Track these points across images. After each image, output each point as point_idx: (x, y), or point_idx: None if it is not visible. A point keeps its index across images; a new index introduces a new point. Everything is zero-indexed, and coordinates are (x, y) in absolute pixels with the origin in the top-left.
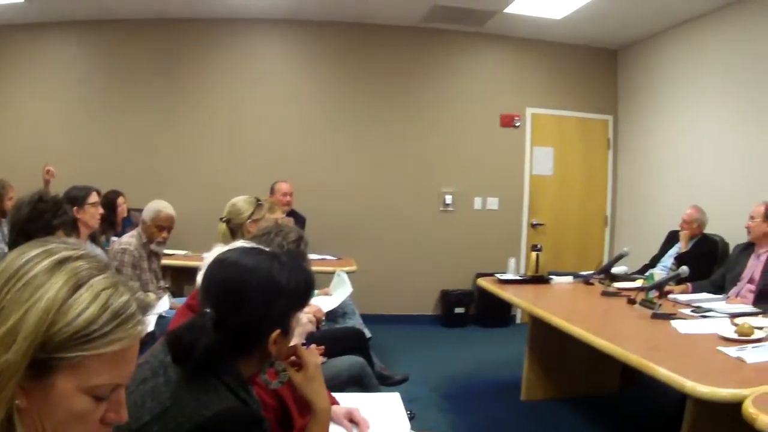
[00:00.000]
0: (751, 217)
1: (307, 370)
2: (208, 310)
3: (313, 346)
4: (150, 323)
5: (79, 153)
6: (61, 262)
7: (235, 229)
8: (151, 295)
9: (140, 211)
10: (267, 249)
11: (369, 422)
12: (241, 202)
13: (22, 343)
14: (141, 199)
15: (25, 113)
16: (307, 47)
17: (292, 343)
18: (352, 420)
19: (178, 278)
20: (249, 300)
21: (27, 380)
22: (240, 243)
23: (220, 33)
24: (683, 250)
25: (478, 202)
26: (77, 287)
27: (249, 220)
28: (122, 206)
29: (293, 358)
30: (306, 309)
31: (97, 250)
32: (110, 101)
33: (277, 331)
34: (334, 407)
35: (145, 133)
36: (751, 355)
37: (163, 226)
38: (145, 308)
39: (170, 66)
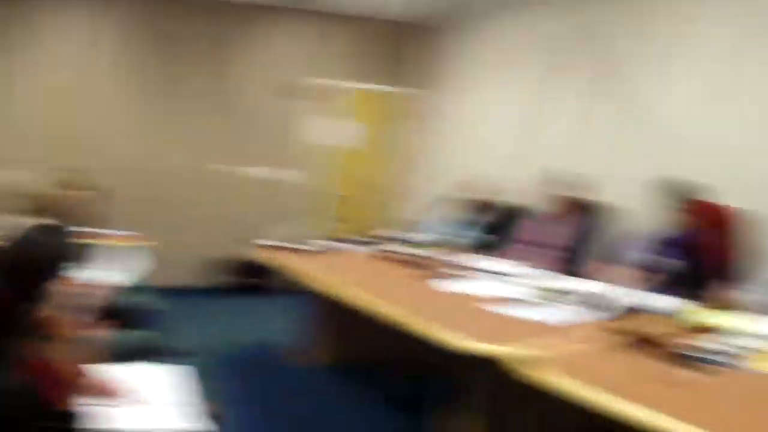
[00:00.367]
0: (550, 187)
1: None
2: None
3: (102, 320)
4: None
5: None
6: None
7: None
8: None
9: None
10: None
11: (133, 390)
12: (20, 176)
13: None
14: None
15: None
16: (100, 18)
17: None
18: (109, 391)
19: None
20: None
21: None
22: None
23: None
24: (487, 219)
25: (272, 173)
26: None
27: (26, 195)
28: None
29: None
30: (74, 282)
31: None
32: None
33: (38, 306)
34: (91, 381)
35: None
36: (550, 316)
37: None
38: None
39: None
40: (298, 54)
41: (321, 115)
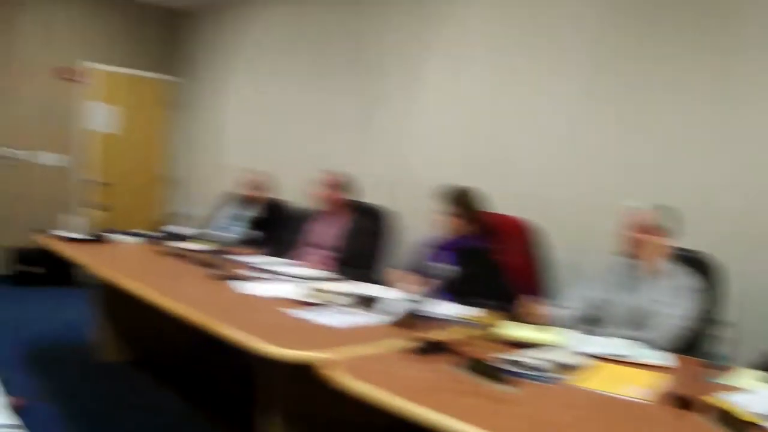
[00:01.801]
0: (320, 185)
1: None
2: None
3: None
4: None
5: None
6: None
7: None
8: None
9: None
10: None
11: None
12: None
13: None
14: None
15: None
16: None
17: None
18: None
19: None
20: None
21: None
22: None
23: None
24: (258, 215)
25: (37, 157)
26: None
27: None
28: None
29: None
30: None
31: None
32: None
33: None
34: None
35: None
36: (326, 318)
37: None
38: None
39: None
40: (56, 34)
41: (83, 99)
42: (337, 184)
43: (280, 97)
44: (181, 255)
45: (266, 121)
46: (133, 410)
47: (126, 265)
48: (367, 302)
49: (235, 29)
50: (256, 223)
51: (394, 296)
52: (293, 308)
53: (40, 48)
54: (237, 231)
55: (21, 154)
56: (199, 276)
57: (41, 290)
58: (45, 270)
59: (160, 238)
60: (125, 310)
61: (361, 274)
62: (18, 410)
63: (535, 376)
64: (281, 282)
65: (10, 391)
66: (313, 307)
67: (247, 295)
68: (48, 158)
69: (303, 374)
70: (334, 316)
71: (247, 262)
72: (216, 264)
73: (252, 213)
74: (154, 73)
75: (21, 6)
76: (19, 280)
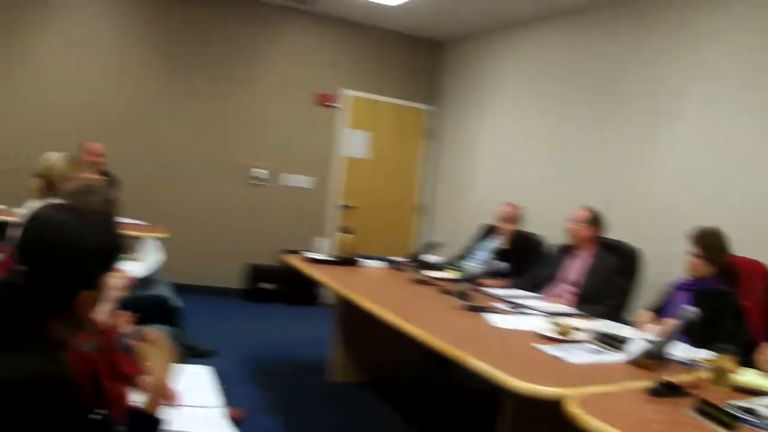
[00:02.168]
0: (574, 221)
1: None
2: (20, 267)
3: (124, 312)
4: None
5: None
6: None
7: (47, 186)
8: None
9: None
10: (78, 207)
11: (177, 393)
12: (55, 158)
13: None
14: None
15: None
16: (126, 8)
17: (104, 309)
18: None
19: None
20: (54, 257)
21: None
22: (53, 201)
23: None
24: (504, 247)
25: (289, 179)
26: None
27: (62, 177)
28: None
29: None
30: (115, 274)
31: None
32: None
33: (89, 292)
34: (145, 377)
35: None
36: (572, 355)
37: None
38: None
39: None
40: (315, 60)
41: (337, 124)
42: (589, 220)
43: (531, 126)
44: (428, 283)
45: (518, 151)
46: (358, 430)
47: (370, 288)
48: (608, 340)
49: (488, 58)
50: (502, 255)
51: (634, 335)
52: (537, 342)
53: (299, 74)
54: (483, 261)
55: (272, 175)
56: (445, 305)
57: (277, 307)
58: (283, 287)
59: (406, 264)
60: (363, 332)
61: (602, 311)
62: (236, 421)
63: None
64: (526, 315)
65: (235, 403)
66: (556, 343)
67: (492, 327)
68: (298, 180)
69: (543, 409)
70: (575, 352)
71: (493, 294)
72: (462, 294)
73: (499, 244)
74: (407, 101)
75: (280, 33)
76: (254, 295)
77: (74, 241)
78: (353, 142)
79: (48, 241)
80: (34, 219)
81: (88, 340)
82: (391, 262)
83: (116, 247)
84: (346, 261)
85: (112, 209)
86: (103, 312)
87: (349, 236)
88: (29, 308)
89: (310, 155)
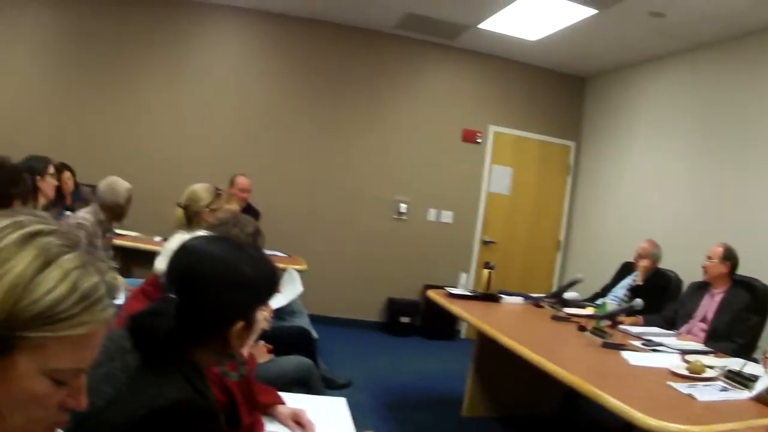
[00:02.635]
0: (709, 257)
1: None
2: (171, 296)
3: (261, 343)
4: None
5: (31, 126)
6: (32, 236)
7: (191, 216)
8: (120, 278)
9: (91, 186)
10: (231, 239)
11: (314, 425)
12: (201, 189)
13: None
14: (89, 175)
15: None
16: (273, 40)
17: (248, 341)
18: (297, 421)
19: (126, 259)
20: (210, 288)
21: None
22: (201, 232)
23: (187, 15)
24: (638, 283)
25: (432, 214)
26: (46, 264)
27: (207, 209)
28: (68, 181)
29: None
30: (264, 308)
31: None
32: (67, 76)
33: (241, 323)
34: (280, 407)
35: (98, 108)
36: (701, 393)
37: (130, 201)
38: (113, 291)
39: (129, 43)
40: (461, 95)
41: (481, 160)
42: (723, 256)
43: (670, 161)
44: (566, 319)
45: (656, 186)
46: None
47: (509, 324)
48: (736, 378)
49: (626, 93)
50: (638, 291)
51: (762, 373)
52: (669, 380)
53: (445, 109)
54: (620, 299)
55: (415, 209)
56: (582, 342)
57: (416, 341)
58: (422, 321)
59: (545, 300)
60: (499, 367)
61: (732, 348)
62: None
63: None
64: (660, 353)
65: None
66: (687, 380)
67: (628, 364)
68: (441, 215)
69: None
70: (704, 390)
71: (629, 331)
72: (599, 331)
73: (635, 281)
74: (548, 136)
75: (427, 68)
76: (393, 329)
77: (230, 273)
78: (496, 178)
79: (202, 271)
80: (185, 249)
81: (235, 370)
82: (530, 298)
83: (272, 280)
84: (487, 296)
85: (257, 241)
86: (246, 344)
87: (490, 272)
88: (178, 336)
89: (454, 190)
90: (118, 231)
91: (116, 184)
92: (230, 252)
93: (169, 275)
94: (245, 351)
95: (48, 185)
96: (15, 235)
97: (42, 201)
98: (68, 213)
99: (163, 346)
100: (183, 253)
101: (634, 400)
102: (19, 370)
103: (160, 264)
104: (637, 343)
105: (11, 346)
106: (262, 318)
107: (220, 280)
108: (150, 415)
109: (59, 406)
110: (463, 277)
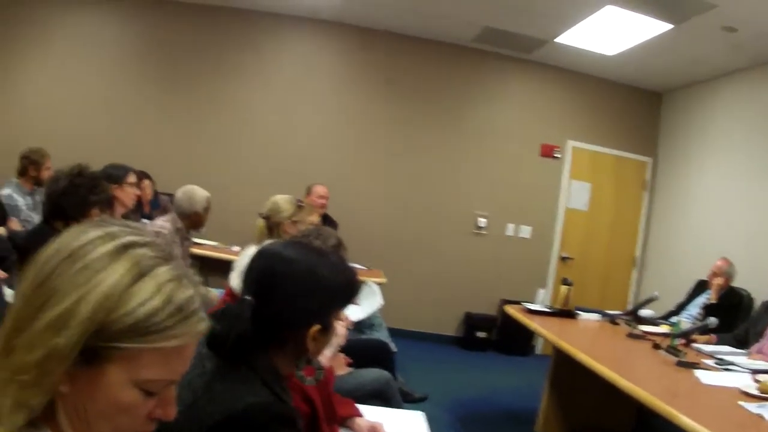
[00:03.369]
0: None
1: None
2: (247, 298)
3: (341, 355)
4: None
5: (109, 134)
6: (125, 248)
7: (272, 227)
8: (213, 291)
9: (169, 195)
10: (309, 244)
11: None
12: (283, 201)
13: (75, 329)
14: (169, 184)
15: (59, 91)
16: (354, 53)
17: (326, 353)
18: None
19: (203, 268)
20: (286, 289)
21: (75, 367)
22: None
23: (265, 27)
24: (712, 301)
25: (510, 229)
26: (140, 276)
27: (288, 221)
28: (147, 189)
29: None
30: (342, 321)
31: None
32: (146, 85)
33: (317, 327)
34: (358, 420)
35: (179, 119)
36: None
37: (208, 210)
38: (207, 304)
39: (212, 54)
40: (539, 110)
41: (558, 175)
42: None
43: (746, 179)
44: (641, 337)
45: (732, 203)
46: None
47: (585, 340)
48: None
49: (704, 108)
50: (712, 310)
51: None
52: (740, 400)
53: (524, 124)
54: (694, 317)
55: (494, 224)
56: (656, 360)
57: (491, 356)
58: (498, 336)
59: (621, 318)
60: (574, 384)
61: None
62: None
63: None
64: (732, 372)
65: None
66: (758, 400)
67: (700, 383)
68: (519, 230)
69: None
70: None
71: (702, 350)
72: (673, 349)
73: (709, 299)
74: (625, 152)
75: (506, 82)
76: (469, 343)
77: (306, 275)
78: (574, 194)
79: (278, 273)
80: (263, 252)
81: (312, 375)
82: (606, 315)
83: (351, 285)
84: (564, 313)
85: (339, 253)
86: (325, 356)
87: (568, 288)
88: (254, 339)
89: (532, 205)
90: (196, 240)
91: (194, 192)
92: (308, 255)
93: (246, 278)
94: (324, 361)
95: (126, 194)
96: (107, 247)
97: (120, 210)
98: (146, 221)
99: (237, 348)
100: (260, 256)
101: (706, 419)
102: (109, 380)
103: (234, 281)
104: (710, 362)
105: (102, 357)
106: (341, 328)
107: (295, 281)
108: (227, 420)
109: (147, 416)
110: (541, 293)
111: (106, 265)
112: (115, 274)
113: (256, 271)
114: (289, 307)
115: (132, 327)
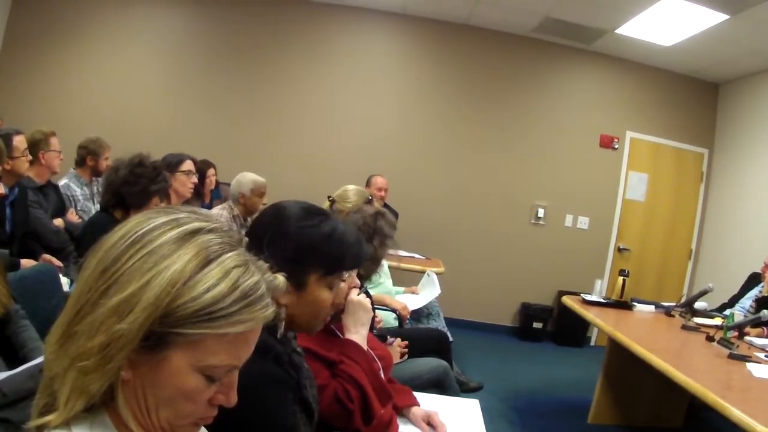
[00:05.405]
0: None
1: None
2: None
3: (398, 340)
4: None
5: (173, 124)
6: (192, 234)
7: (335, 212)
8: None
9: (229, 185)
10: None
11: (447, 427)
12: (353, 192)
13: (139, 314)
14: (231, 174)
15: (121, 82)
16: (414, 43)
17: (362, 331)
18: (430, 423)
19: None
20: (291, 226)
21: (137, 353)
22: None
23: (328, 18)
24: (764, 294)
25: (569, 220)
26: (207, 262)
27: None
28: (211, 178)
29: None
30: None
31: None
32: (209, 76)
33: (320, 273)
34: (414, 409)
35: (243, 110)
36: None
37: (263, 192)
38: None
39: (273, 46)
40: (598, 100)
41: (618, 166)
42: None
43: None
44: (695, 329)
45: None
46: None
47: (639, 332)
48: None
49: (762, 99)
50: (764, 302)
51: None
52: None
53: (583, 114)
54: (746, 309)
55: (552, 215)
56: (709, 352)
57: (547, 346)
58: (554, 327)
59: (676, 309)
60: (628, 375)
61: None
62: None
63: None
64: None
65: None
66: None
67: (752, 376)
68: (577, 221)
69: None
70: None
71: (754, 343)
72: (726, 342)
73: (761, 292)
74: (682, 143)
75: (565, 72)
76: (525, 334)
77: (300, 217)
78: (632, 184)
79: (275, 215)
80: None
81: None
82: (661, 307)
83: (347, 247)
84: (620, 304)
85: (377, 222)
86: (361, 334)
87: (625, 279)
88: None
89: (591, 196)
90: None
91: (242, 176)
92: (314, 210)
93: (251, 229)
94: (361, 341)
95: (179, 182)
96: (173, 233)
97: (174, 199)
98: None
99: None
100: (270, 207)
101: (757, 412)
102: (172, 365)
103: None
104: (761, 355)
105: (167, 342)
106: (346, 288)
107: (290, 221)
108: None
109: (209, 402)
110: (599, 283)
111: (172, 251)
112: (182, 259)
113: (258, 221)
114: (292, 240)
115: (197, 313)
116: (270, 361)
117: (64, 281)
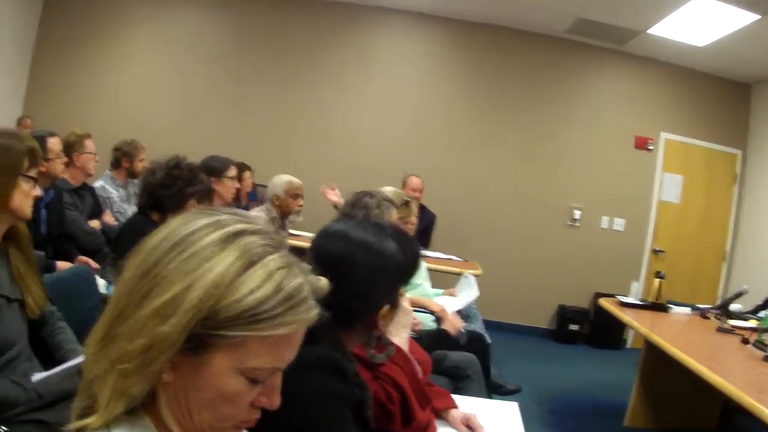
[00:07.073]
0: None
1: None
2: None
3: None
4: None
5: (207, 126)
6: (235, 236)
7: None
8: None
9: (266, 187)
10: (376, 222)
11: (485, 429)
12: (392, 193)
13: (182, 317)
14: (267, 176)
15: (153, 83)
16: (446, 44)
17: (402, 334)
18: (469, 425)
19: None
20: (356, 273)
21: (179, 355)
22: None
23: (359, 18)
24: None
25: (605, 221)
26: (250, 264)
27: None
28: (247, 180)
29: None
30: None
31: None
32: (243, 78)
33: (387, 306)
34: (453, 411)
35: (278, 112)
36: None
37: (298, 194)
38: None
39: (304, 46)
40: (632, 101)
41: (651, 167)
42: None
43: None
44: (730, 331)
45: None
46: None
47: (675, 334)
48: None
49: None
50: None
51: None
52: None
53: (618, 115)
54: None
55: (588, 216)
56: (744, 354)
57: (583, 349)
58: (590, 329)
59: (712, 312)
60: (665, 378)
61: None
62: None
63: None
64: None
65: None
66: None
67: None
68: (613, 223)
69: None
70: None
71: None
72: (761, 344)
73: None
74: (716, 144)
75: (599, 73)
76: (561, 336)
77: (378, 258)
78: (667, 186)
79: (342, 257)
80: (330, 234)
81: (383, 351)
82: (697, 309)
83: (414, 259)
84: (656, 306)
85: (381, 209)
86: (402, 338)
87: (661, 281)
88: (323, 322)
89: (626, 198)
90: (292, 231)
91: (277, 178)
92: (371, 235)
93: (312, 261)
94: (402, 344)
95: (225, 188)
96: (216, 235)
97: (218, 203)
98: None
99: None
100: (324, 238)
101: None
102: (214, 368)
103: None
104: None
105: (208, 345)
106: (406, 304)
107: (361, 265)
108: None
109: (251, 404)
110: (635, 285)
111: (215, 253)
112: (224, 262)
113: (322, 254)
114: (362, 290)
115: (241, 315)
116: (336, 378)
117: (101, 283)
